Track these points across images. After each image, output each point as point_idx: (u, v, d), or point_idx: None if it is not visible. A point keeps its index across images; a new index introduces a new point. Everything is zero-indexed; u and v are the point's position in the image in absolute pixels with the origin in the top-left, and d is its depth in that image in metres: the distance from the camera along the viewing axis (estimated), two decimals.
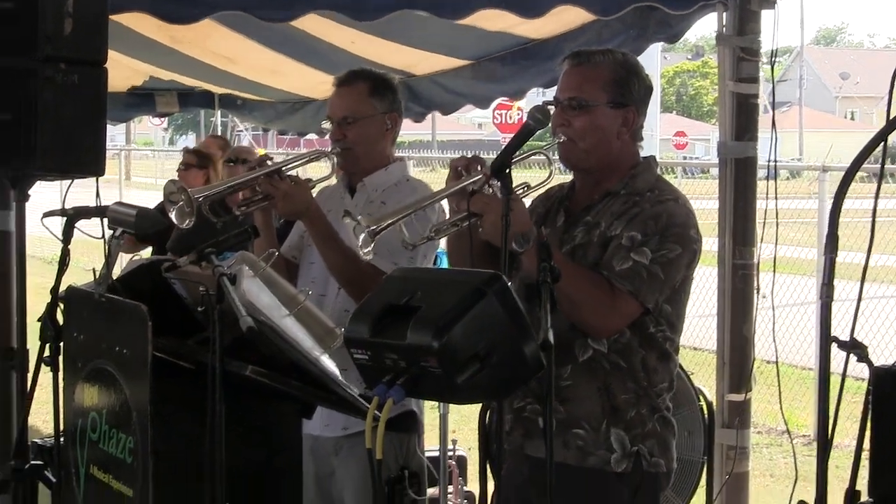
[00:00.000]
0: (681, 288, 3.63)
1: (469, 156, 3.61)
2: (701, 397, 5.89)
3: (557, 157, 3.78)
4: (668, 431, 3.66)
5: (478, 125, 67.52)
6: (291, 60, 7.19)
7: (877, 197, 2.91)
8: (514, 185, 3.33)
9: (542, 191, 3.91)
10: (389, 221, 3.57)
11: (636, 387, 3.59)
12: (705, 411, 5.81)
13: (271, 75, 8.03)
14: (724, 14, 5.46)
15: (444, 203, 3.76)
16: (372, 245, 3.53)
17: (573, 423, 3.56)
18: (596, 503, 3.61)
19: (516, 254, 3.28)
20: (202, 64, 7.62)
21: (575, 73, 3.70)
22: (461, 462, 6.38)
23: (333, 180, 4.71)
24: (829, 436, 2.91)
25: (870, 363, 3.75)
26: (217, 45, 6.79)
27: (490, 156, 3.77)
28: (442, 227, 3.60)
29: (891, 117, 2.76)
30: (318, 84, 7.60)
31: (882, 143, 2.77)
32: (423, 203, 3.75)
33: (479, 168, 3.52)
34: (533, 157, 3.80)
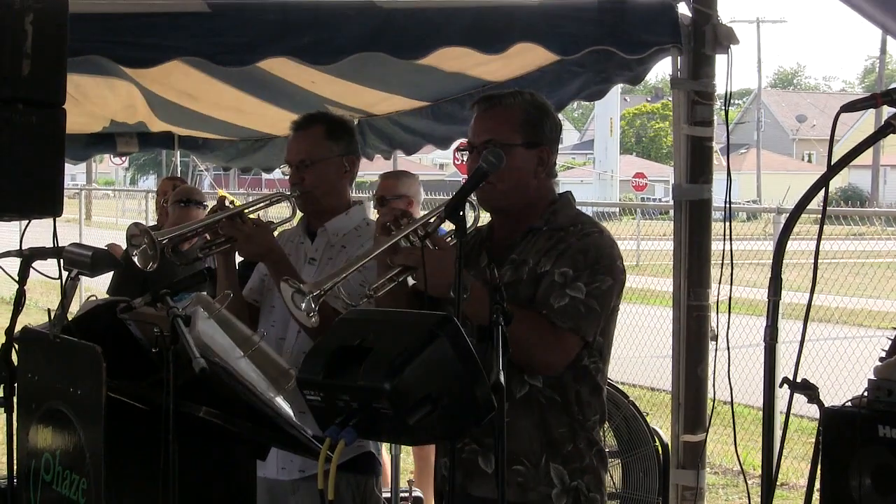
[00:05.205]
0: (610, 318, 3.71)
1: (394, 210, 3.69)
2: (656, 438, 5.93)
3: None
4: (602, 467, 3.75)
5: (439, 166, 67.70)
6: (253, 98, 7.22)
7: (819, 239, 2.96)
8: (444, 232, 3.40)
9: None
10: (330, 285, 3.60)
11: (570, 420, 3.66)
12: (660, 452, 5.85)
13: (233, 113, 8.05)
14: (679, 58, 5.51)
15: None
16: (316, 310, 3.55)
17: (512, 460, 3.59)
18: None
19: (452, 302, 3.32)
20: (164, 100, 7.63)
21: (488, 116, 3.76)
22: (417, 503, 6.39)
23: (294, 223, 4.73)
24: (774, 474, 2.95)
25: (820, 404, 3.80)
26: (179, 83, 6.80)
27: (448, 197, 3.81)
28: (380, 284, 3.59)
29: (832, 163, 2.81)
30: (279, 121, 7.63)
31: (824, 188, 2.83)
32: (360, 262, 3.73)
33: (406, 221, 3.61)
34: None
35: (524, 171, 3.72)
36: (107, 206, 45.47)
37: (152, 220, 11.45)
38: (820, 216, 3.06)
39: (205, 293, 4.21)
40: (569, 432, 3.66)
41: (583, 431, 3.68)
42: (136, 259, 4.21)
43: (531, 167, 3.74)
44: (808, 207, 2.99)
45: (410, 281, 3.62)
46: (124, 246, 4.29)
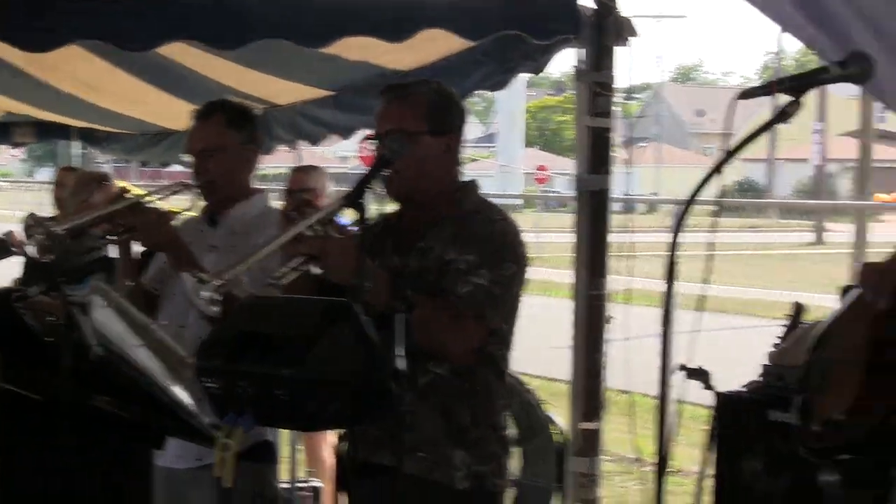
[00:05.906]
0: (514, 304, 3.71)
1: (297, 200, 3.69)
2: (554, 426, 5.99)
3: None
4: (505, 453, 3.77)
5: (342, 158, 67.48)
6: (154, 88, 7.12)
7: (713, 230, 3.01)
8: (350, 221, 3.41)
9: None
10: (231, 273, 3.56)
11: (474, 407, 3.66)
12: (558, 440, 5.91)
13: (133, 105, 7.94)
14: (582, 50, 5.55)
15: None
16: (218, 299, 3.51)
17: (415, 448, 3.60)
18: None
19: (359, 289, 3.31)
20: (61, 93, 7.50)
21: (394, 105, 3.78)
22: (316, 492, 6.39)
23: (194, 212, 4.70)
24: (663, 459, 2.99)
25: (713, 389, 3.87)
26: (78, 70, 6.69)
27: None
28: (283, 273, 3.54)
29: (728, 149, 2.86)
30: (179, 114, 7.54)
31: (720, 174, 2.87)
32: (263, 251, 3.67)
33: (310, 210, 3.63)
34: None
35: (431, 160, 3.72)
36: (2, 198, 44.52)
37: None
38: (726, 206, 3.11)
39: (101, 283, 4.17)
40: (472, 419, 3.67)
41: (486, 418, 3.69)
42: (34, 250, 4.16)
43: (438, 155, 3.74)
44: (704, 199, 3.03)
45: (316, 270, 3.61)
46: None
